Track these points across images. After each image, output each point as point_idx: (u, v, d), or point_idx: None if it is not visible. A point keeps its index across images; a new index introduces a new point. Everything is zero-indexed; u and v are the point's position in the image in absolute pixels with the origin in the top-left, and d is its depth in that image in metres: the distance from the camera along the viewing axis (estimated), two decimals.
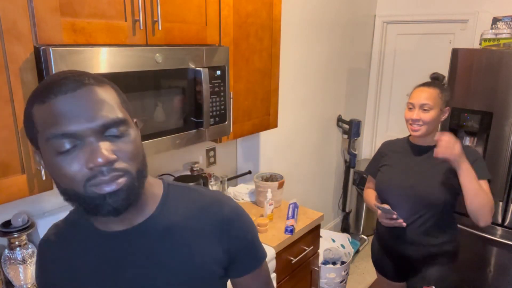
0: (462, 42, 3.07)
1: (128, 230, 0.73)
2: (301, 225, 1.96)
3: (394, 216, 1.63)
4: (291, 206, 2.07)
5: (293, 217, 1.99)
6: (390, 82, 3.66)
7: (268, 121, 2.05)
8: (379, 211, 1.69)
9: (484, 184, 1.57)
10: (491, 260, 2.43)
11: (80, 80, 0.63)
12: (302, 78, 2.81)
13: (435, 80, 1.70)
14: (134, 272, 0.73)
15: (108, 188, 0.62)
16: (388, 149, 1.83)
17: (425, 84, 1.66)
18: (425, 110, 1.61)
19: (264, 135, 2.59)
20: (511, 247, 2.32)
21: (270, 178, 2.25)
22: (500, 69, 2.23)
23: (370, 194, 1.85)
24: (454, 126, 2.42)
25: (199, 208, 0.79)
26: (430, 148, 1.67)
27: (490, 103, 2.29)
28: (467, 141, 2.43)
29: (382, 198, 1.77)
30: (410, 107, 1.65)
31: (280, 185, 2.15)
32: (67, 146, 0.60)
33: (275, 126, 2.11)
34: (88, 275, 0.74)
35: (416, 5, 3.31)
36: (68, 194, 0.64)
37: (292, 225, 1.90)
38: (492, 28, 2.50)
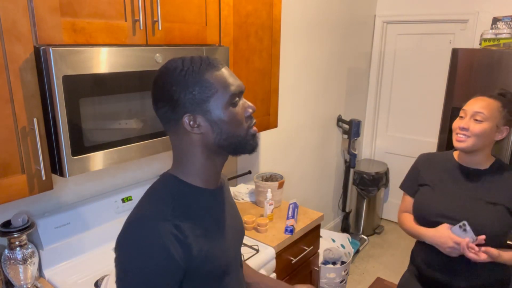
0: (462, 42, 3.08)
1: (218, 188, 0.93)
2: (301, 225, 1.97)
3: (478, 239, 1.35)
4: (291, 206, 2.07)
5: (293, 217, 1.99)
6: (390, 82, 3.66)
7: (268, 121, 2.05)
8: (455, 240, 1.36)
9: None
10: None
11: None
12: (302, 78, 2.81)
13: (501, 96, 1.45)
14: (230, 221, 0.95)
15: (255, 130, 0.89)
16: (425, 165, 1.58)
17: (485, 94, 1.45)
18: (476, 120, 1.39)
19: (264, 135, 2.59)
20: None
21: (270, 178, 2.25)
22: (500, 69, 2.23)
23: (409, 219, 1.58)
24: None
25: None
26: (480, 172, 1.47)
27: None
28: None
29: (422, 224, 1.52)
30: (462, 115, 1.44)
31: (280, 185, 2.15)
32: (238, 99, 0.84)
33: (275, 126, 2.11)
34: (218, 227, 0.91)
35: (416, 5, 3.32)
36: (231, 137, 0.84)
37: (292, 225, 1.90)
38: (492, 28, 2.50)
